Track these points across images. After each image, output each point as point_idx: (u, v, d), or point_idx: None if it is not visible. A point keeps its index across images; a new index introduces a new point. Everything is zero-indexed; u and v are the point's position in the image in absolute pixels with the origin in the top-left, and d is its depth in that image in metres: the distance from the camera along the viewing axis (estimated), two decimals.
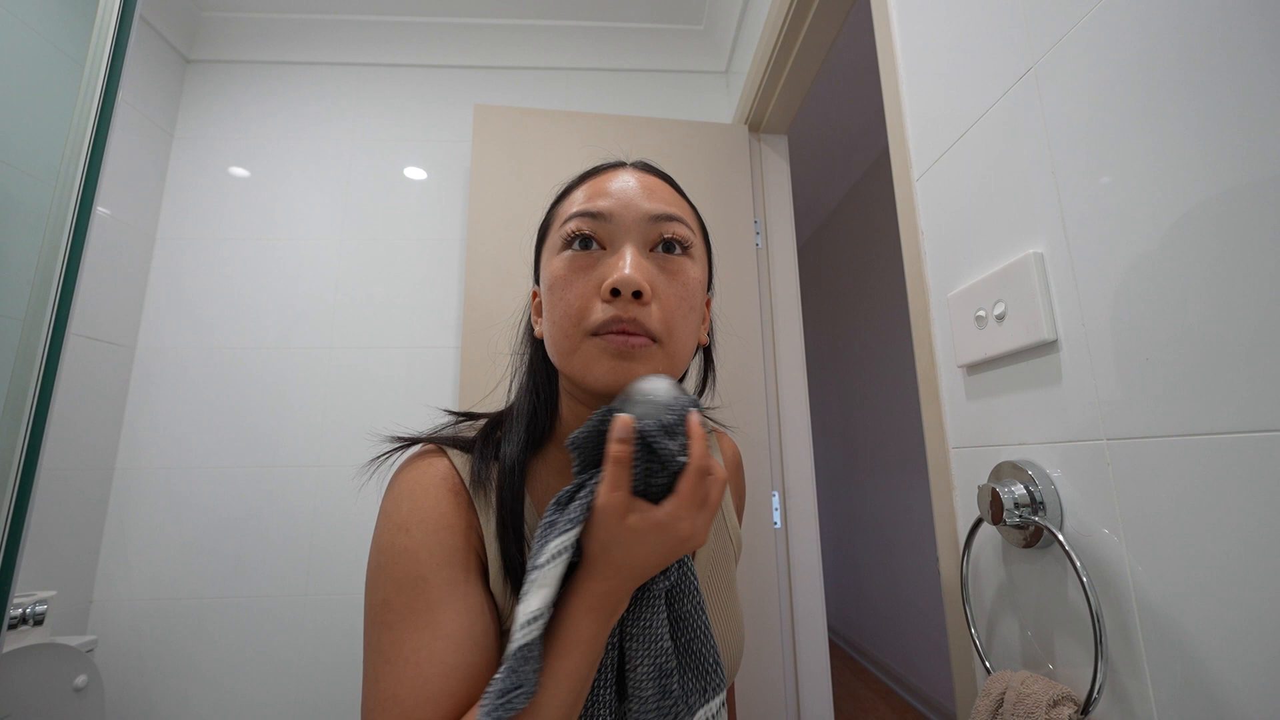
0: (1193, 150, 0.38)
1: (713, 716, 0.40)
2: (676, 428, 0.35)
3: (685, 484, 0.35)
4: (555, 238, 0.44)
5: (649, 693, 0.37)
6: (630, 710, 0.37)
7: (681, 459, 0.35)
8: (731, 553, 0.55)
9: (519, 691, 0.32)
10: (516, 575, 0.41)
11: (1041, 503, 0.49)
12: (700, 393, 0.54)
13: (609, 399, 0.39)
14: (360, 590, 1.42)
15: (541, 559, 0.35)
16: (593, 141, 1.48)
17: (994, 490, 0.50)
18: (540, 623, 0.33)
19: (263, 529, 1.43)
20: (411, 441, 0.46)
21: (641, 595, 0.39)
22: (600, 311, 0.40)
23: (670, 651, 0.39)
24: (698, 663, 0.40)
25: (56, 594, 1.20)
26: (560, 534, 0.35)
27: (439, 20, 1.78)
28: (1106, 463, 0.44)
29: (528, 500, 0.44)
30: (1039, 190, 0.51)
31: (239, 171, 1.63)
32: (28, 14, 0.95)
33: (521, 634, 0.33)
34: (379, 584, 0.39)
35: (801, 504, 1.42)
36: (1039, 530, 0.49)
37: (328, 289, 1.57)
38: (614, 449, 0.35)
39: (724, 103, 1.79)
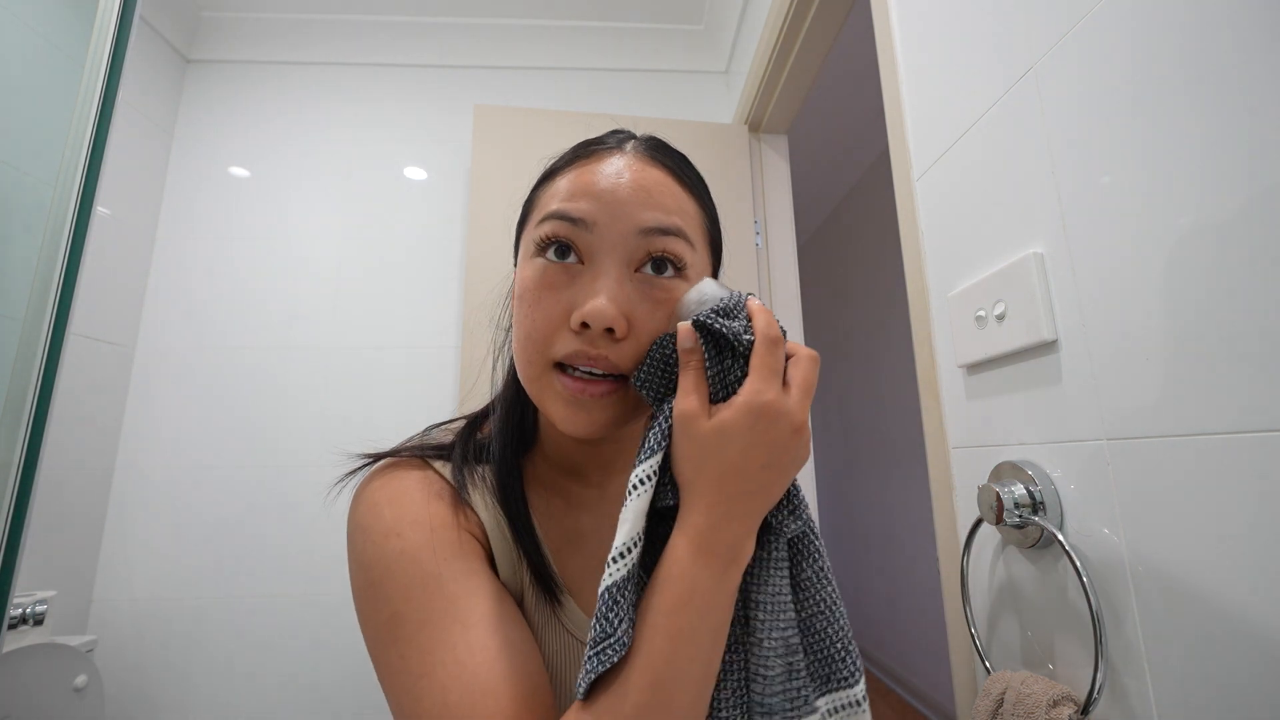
0: (1192, 150, 0.38)
1: (840, 708, 0.33)
2: (734, 309, 0.32)
3: (756, 358, 0.30)
4: (532, 234, 0.37)
5: (775, 671, 0.30)
6: (753, 691, 0.31)
7: (748, 337, 0.31)
8: None
9: (609, 641, 0.27)
10: (536, 568, 0.37)
11: (1041, 503, 0.49)
12: None
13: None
14: None
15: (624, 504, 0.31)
16: None
17: (994, 490, 0.50)
18: (624, 563, 0.29)
19: (262, 529, 1.43)
20: (379, 456, 0.41)
21: (761, 545, 0.32)
22: (567, 342, 0.34)
23: (794, 622, 0.32)
24: (823, 644, 0.34)
25: (56, 594, 1.20)
26: (641, 463, 0.31)
27: (439, 20, 1.78)
28: (1106, 463, 0.44)
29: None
30: (1039, 190, 0.50)
31: (239, 171, 1.62)
32: (28, 14, 0.95)
33: (606, 576, 0.29)
34: (380, 601, 0.34)
35: None
36: (1039, 530, 0.49)
37: (328, 289, 1.57)
38: (682, 355, 0.32)
39: (724, 103, 1.79)
